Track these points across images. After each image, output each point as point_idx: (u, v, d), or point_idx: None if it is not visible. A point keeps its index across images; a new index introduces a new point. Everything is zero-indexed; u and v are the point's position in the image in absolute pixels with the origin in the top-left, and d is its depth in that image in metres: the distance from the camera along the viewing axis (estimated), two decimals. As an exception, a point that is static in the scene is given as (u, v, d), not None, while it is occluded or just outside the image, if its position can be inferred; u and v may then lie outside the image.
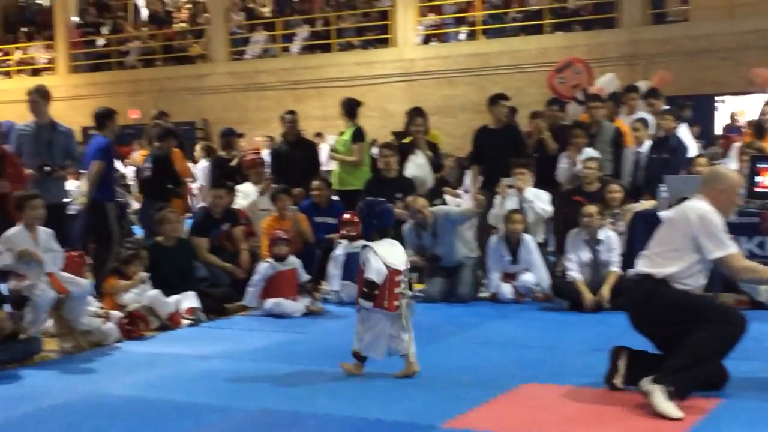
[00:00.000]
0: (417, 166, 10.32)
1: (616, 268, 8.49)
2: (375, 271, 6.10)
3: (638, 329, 5.66)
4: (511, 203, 9.54)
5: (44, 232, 7.65)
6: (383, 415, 5.27)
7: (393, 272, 6.16)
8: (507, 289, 9.02)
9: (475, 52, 21.08)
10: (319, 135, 19.13)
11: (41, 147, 9.22)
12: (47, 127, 9.40)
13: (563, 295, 8.66)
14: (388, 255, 6.20)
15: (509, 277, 9.13)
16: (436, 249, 9.23)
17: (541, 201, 9.68)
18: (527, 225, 9.32)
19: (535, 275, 9.04)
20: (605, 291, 8.36)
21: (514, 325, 8.05)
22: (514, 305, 8.87)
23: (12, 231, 7.56)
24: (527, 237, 9.13)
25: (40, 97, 9.46)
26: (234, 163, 10.91)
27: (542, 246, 9.53)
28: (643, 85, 12.98)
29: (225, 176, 10.74)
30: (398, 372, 6.17)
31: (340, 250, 9.34)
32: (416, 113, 10.71)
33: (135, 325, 7.85)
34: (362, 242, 9.10)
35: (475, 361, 6.64)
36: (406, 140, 10.90)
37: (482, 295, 9.34)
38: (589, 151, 10.02)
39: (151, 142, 11.45)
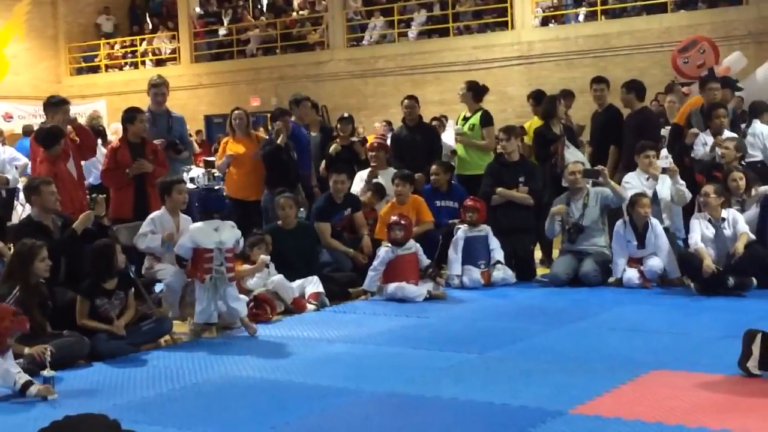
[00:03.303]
0: (577, 158, 10.08)
1: (745, 230, 8.35)
2: (180, 247, 7.33)
3: None
4: (663, 186, 9.31)
5: (184, 218, 7.90)
6: (509, 400, 5.22)
7: (203, 250, 7.19)
8: (633, 274, 8.83)
9: (595, 33, 20.66)
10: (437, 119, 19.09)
11: (163, 133, 9.55)
12: (164, 114, 9.76)
13: (686, 265, 8.51)
14: (199, 235, 7.24)
15: (635, 261, 8.93)
16: (581, 220, 9.17)
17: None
18: (659, 209, 9.14)
19: (662, 260, 8.81)
20: (739, 246, 8.23)
21: (641, 310, 7.86)
22: (640, 290, 8.67)
23: (156, 214, 7.85)
24: (654, 221, 8.92)
25: (166, 88, 9.85)
26: (332, 149, 10.92)
27: (667, 231, 9.28)
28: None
29: (343, 161, 10.80)
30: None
31: (460, 234, 9.30)
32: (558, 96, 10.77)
33: (261, 309, 7.99)
34: (484, 227, 9.27)
35: (602, 346, 6.52)
36: (528, 124, 10.79)
37: (608, 280, 9.16)
38: (728, 132, 9.72)
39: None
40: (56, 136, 8.39)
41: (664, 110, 12.65)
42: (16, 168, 12.71)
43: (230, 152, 10.44)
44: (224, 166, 10.53)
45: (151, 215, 7.91)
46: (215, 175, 12.73)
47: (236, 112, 10.68)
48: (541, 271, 9.69)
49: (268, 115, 15.61)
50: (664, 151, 10.12)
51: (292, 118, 10.70)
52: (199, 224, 7.44)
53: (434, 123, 13.54)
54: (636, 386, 5.48)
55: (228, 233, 7.37)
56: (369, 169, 10.58)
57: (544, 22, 21.85)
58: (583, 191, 9.29)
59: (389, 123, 18.75)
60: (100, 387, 5.93)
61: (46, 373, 5.71)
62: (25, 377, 5.58)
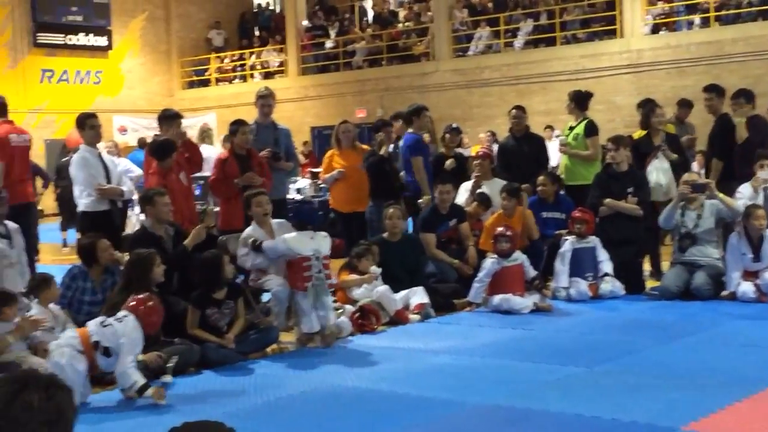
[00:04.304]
0: (660, 172, 9.85)
1: None
2: (271, 249, 7.53)
3: None
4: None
5: (278, 224, 7.99)
6: (619, 415, 5.11)
7: (300, 259, 7.29)
8: (748, 288, 8.54)
9: (708, 40, 20.16)
10: (549, 128, 18.97)
11: (268, 145, 9.69)
12: (270, 126, 9.89)
13: None
14: (295, 243, 7.36)
15: (751, 275, 8.64)
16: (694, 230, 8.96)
17: None
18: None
19: (780, 273, 8.51)
20: None
21: (757, 325, 7.60)
22: (756, 305, 8.37)
23: (248, 231, 7.94)
24: (770, 233, 8.63)
25: (273, 100, 10.00)
26: (446, 164, 10.83)
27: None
28: None
29: (450, 172, 10.75)
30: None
31: (568, 246, 9.17)
32: (654, 104, 10.42)
33: (367, 319, 8.02)
34: (592, 238, 9.12)
35: (716, 362, 6.34)
36: (637, 135, 10.58)
37: (721, 293, 8.89)
38: None
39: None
40: (169, 149, 8.60)
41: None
42: (131, 179, 13.10)
43: (338, 167, 10.49)
44: (331, 180, 10.58)
45: (243, 235, 8.01)
46: (321, 186, 12.81)
47: (344, 125, 10.75)
48: (650, 283, 9.48)
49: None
50: None
51: (409, 130, 10.63)
52: (293, 234, 7.57)
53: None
54: (752, 403, 5.30)
55: (323, 242, 7.49)
56: (473, 179, 10.52)
57: (655, 29, 21.42)
58: (697, 201, 9.03)
59: (493, 134, 18.66)
60: (209, 394, 6.04)
61: (164, 378, 5.89)
62: (144, 379, 5.73)
